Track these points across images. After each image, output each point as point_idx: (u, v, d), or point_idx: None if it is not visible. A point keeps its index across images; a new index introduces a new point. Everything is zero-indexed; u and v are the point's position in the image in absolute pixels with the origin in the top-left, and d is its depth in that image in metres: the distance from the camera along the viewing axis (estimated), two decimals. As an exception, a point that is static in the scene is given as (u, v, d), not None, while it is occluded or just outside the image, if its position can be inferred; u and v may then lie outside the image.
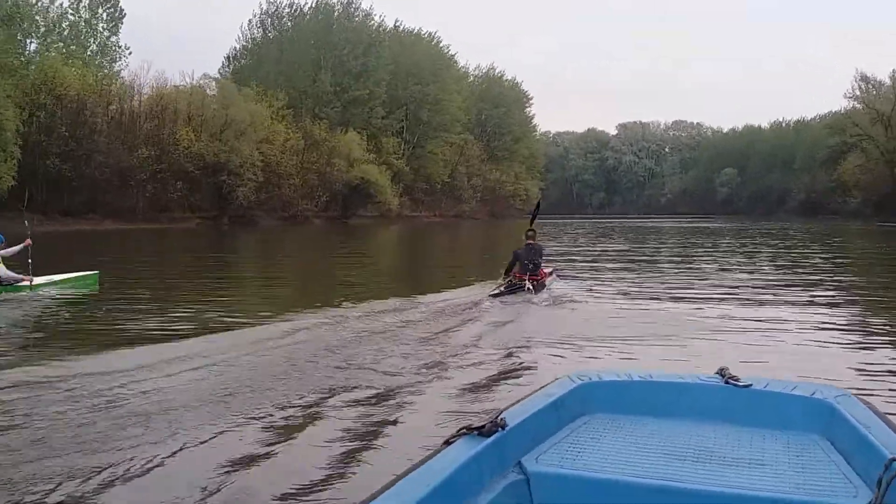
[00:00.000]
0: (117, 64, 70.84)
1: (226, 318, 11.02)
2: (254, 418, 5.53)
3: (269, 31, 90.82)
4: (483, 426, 2.33)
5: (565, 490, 2.29)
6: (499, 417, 2.42)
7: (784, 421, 2.78)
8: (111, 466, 4.49)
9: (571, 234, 48.60)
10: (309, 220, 73.56)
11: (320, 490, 4.23)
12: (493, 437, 2.31)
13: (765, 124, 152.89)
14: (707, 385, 3.00)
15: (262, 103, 70.07)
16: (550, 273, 15.41)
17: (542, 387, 3.00)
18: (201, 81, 66.45)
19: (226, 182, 63.01)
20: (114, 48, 70.37)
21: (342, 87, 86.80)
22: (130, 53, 72.04)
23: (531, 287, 13.29)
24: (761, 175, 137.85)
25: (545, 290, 13.88)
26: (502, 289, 13.37)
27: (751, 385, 2.93)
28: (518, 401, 2.78)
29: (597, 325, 10.19)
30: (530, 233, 14.45)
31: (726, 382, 2.97)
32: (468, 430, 2.34)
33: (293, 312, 11.02)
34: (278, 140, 69.15)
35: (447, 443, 2.29)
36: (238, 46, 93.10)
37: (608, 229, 58.87)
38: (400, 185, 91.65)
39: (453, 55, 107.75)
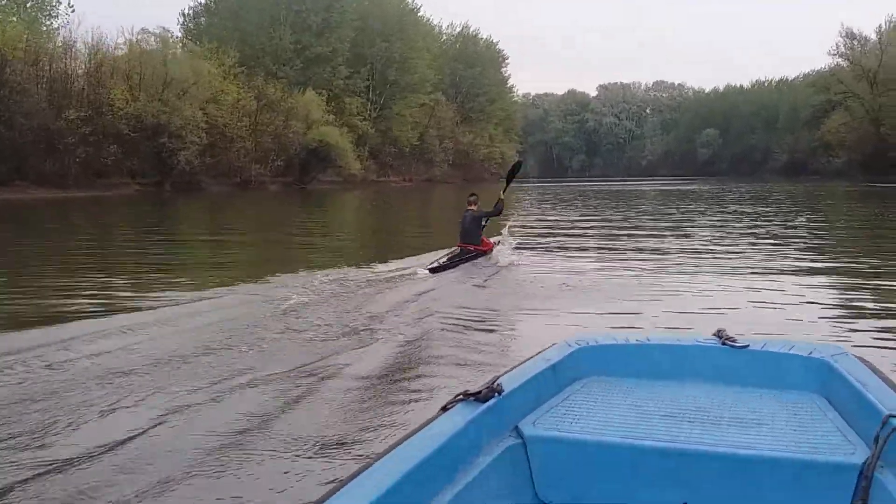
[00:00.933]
0: (57, 21, 65.07)
1: (149, 295, 9.74)
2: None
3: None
4: (479, 391, 2.28)
5: (563, 453, 2.30)
6: (495, 383, 2.37)
7: (781, 380, 2.79)
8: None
9: (549, 200, 44.31)
10: (263, 186, 68.33)
11: (319, 457, 4.03)
12: (489, 402, 2.27)
13: (746, 84, 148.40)
14: (704, 346, 3.00)
15: (211, 61, 64.70)
16: (498, 242, 13.95)
17: (539, 352, 2.94)
18: (139, 37, 60.62)
19: (166, 145, 57.63)
20: (51, 4, 64.50)
21: (302, 45, 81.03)
22: (73, 10, 66.18)
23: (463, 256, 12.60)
24: (743, 135, 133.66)
25: (486, 259, 12.93)
26: (443, 261, 12.14)
27: (748, 346, 2.94)
28: (514, 366, 2.73)
29: (574, 293, 9.75)
30: (472, 197, 13.59)
31: (723, 343, 2.97)
32: (465, 396, 2.28)
33: (225, 287, 10.09)
34: (227, 100, 63.63)
35: (444, 409, 2.23)
36: (195, 2, 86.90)
37: (586, 193, 54.04)
38: (365, 149, 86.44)
39: (421, 10, 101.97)
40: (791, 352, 2.88)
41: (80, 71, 55.33)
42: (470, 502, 2.00)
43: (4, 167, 50.52)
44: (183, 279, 12.05)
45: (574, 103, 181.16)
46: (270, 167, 68.78)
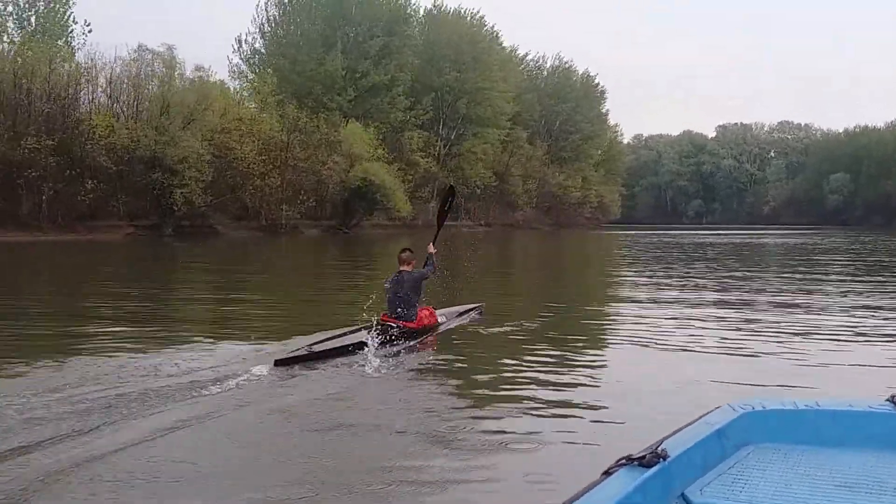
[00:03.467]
0: (74, 42, 56.64)
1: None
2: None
3: (281, 7, 74.68)
4: (643, 456, 2.19)
5: None
6: (659, 448, 2.27)
7: None
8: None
9: (648, 254, 34.83)
10: (297, 231, 57.85)
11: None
12: (654, 468, 2.16)
13: (881, 124, 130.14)
14: (878, 413, 2.83)
15: (243, 87, 55.01)
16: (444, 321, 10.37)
17: (702, 416, 2.82)
18: (136, 55, 51.07)
19: (158, 181, 47.79)
20: (60, 23, 56.15)
21: (358, 72, 70.64)
22: (90, 31, 57.43)
23: (380, 337, 8.62)
24: (878, 180, 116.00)
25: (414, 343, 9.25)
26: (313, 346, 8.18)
27: None
28: (677, 430, 2.61)
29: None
30: (404, 254, 9.83)
31: None
32: (628, 461, 2.19)
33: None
34: (243, 130, 53.38)
35: (607, 473, 2.15)
36: (254, 27, 77.57)
37: (698, 247, 41.33)
38: (432, 189, 75.32)
39: (503, 39, 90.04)
40: None
41: (47, 92, 45.68)
42: None
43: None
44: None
45: (690, 144, 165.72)
46: (301, 209, 57.80)
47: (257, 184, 53.88)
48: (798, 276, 21.81)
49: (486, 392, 7.00)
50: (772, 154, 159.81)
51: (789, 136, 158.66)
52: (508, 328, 10.77)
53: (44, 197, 44.41)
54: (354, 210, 62.26)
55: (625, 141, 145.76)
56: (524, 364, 8.18)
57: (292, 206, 57.05)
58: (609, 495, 1.96)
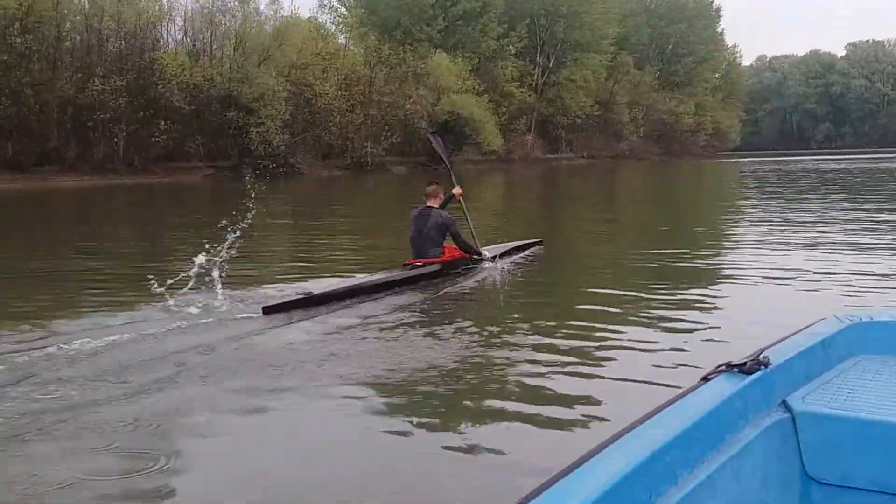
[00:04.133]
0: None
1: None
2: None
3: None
4: (744, 363, 2.14)
5: (835, 430, 2.16)
6: (761, 355, 2.21)
7: None
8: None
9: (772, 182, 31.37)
10: (384, 168, 55.53)
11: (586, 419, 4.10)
12: (755, 375, 2.13)
13: None
14: None
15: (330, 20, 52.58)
16: (486, 258, 9.11)
17: (806, 326, 2.71)
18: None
19: (234, 121, 46.19)
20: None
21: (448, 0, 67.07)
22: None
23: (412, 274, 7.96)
24: None
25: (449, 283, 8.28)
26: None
27: None
28: (779, 340, 2.53)
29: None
30: (431, 187, 8.82)
31: None
32: (728, 367, 2.15)
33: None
34: (321, 65, 51.02)
35: (705, 379, 2.12)
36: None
37: (827, 177, 35.89)
38: (529, 120, 71.73)
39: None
40: None
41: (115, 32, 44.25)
42: (736, 472, 1.91)
43: (19, 149, 41.20)
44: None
45: (818, 65, 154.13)
46: (387, 145, 55.33)
47: (338, 121, 51.67)
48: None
49: (554, 318, 6.63)
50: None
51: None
52: (578, 266, 10.19)
53: (115, 140, 43.46)
54: (444, 145, 59.39)
55: (746, 63, 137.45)
56: (600, 298, 7.59)
57: (377, 144, 54.65)
58: (707, 399, 1.95)
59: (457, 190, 9.29)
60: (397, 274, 8.00)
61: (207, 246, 7.05)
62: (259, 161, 48.44)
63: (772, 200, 21.54)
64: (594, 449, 1.63)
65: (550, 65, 75.63)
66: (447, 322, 6.44)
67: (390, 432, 4.06)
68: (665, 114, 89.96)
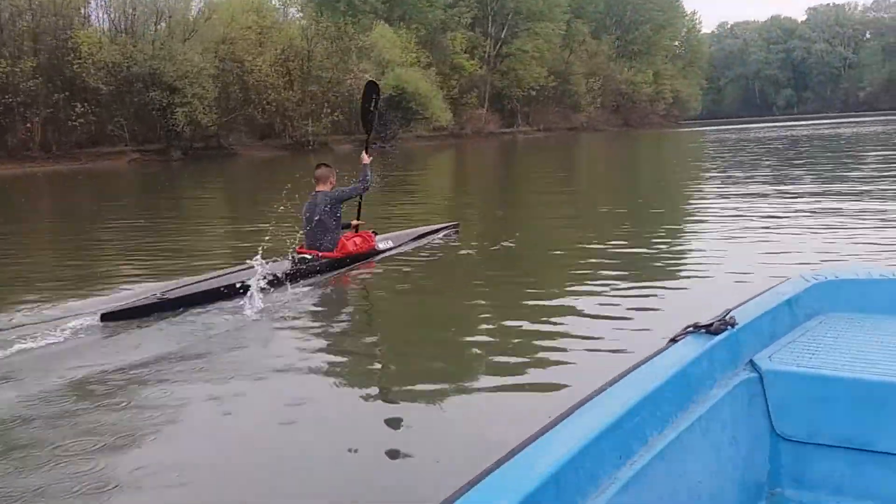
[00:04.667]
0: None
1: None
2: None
3: None
4: (711, 324, 2.17)
5: (802, 388, 2.17)
6: (727, 316, 2.23)
7: None
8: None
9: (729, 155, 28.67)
10: (326, 148, 52.61)
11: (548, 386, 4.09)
12: (722, 335, 2.15)
13: None
14: None
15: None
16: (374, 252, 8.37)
17: (773, 286, 2.72)
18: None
19: (155, 101, 43.12)
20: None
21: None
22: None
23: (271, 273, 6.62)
24: None
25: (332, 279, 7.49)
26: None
27: None
28: (746, 300, 2.53)
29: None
30: (319, 170, 8.11)
31: None
32: (695, 328, 2.17)
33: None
34: (251, 39, 47.93)
35: (673, 340, 2.13)
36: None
37: (785, 143, 34.99)
38: (481, 93, 69.06)
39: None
40: None
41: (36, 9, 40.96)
42: (706, 431, 1.92)
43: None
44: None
45: (779, 30, 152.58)
46: (328, 124, 52.36)
47: (272, 98, 48.72)
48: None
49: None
50: (867, 35, 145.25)
51: (886, 15, 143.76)
52: (498, 247, 9.30)
53: (28, 125, 40.36)
54: (389, 122, 56.57)
55: (707, 31, 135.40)
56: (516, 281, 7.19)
57: (318, 122, 51.73)
58: (675, 360, 1.96)
59: (365, 158, 8.33)
60: (264, 269, 6.53)
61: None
62: (193, 144, 45.65)
63: (733, 169, 20.71)
64: (564, 413, 1.61)
65: (503, 35, 72.72)
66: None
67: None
68: (623, 84, 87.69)
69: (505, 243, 9.46)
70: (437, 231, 9.68)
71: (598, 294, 6.08)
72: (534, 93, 73.59)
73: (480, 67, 68.71)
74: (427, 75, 56.90)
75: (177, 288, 6.38)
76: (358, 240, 8.13)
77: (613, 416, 1.60)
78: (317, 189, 7.96)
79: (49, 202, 24.06)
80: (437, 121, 57.17)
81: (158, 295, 6.12)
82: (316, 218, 7.76)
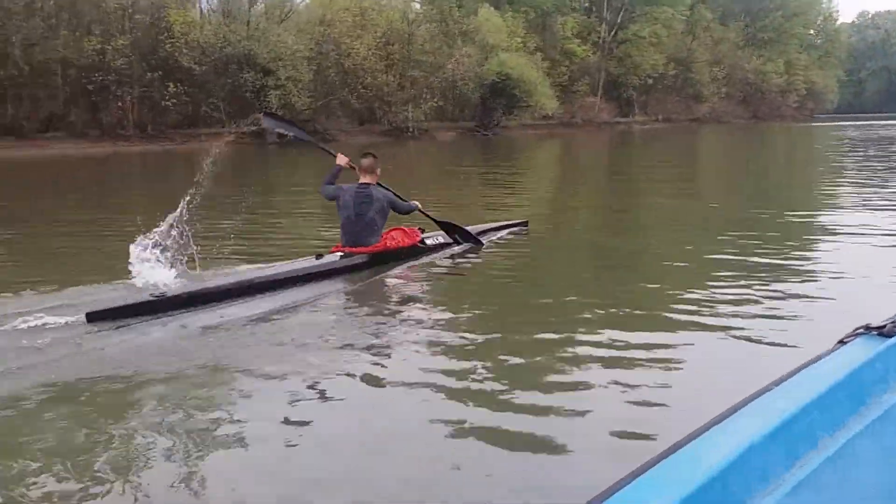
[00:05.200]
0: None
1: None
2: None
3: None
4: (884, 326, 2.01)
5: None
6: None
7: None
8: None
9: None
10: (428, 135, 50.70)
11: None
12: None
13: None
14: None
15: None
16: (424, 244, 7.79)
17: None
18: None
19: (249, 82, 42.14)
20: None
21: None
22: None
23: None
24: None
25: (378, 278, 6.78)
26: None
27: None
28: None
29: None
30: (367, 160, 7.45)
31: None
32: (866, 330, 2.02)
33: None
34: (349, 21, 46.43)
35: (841, 342, 2.01)
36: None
37: None
38: (596, 81, 65.83)
39: None
40: None
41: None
42: (879, 438, 1.75)
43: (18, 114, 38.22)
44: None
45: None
46: (427, 109, 50.35)
47: (368, 82, 47.17)
48: None
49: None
50: None
51: None
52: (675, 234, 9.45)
53: (120, 104, 40.07)
54: (492, 109, 54.17)
55: (847, 20, 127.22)
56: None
57: (417, 108, 49.87)
58: (846, 362, 1.84)
59: (342, 159, 7.64)
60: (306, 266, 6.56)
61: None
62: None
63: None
64: (729, 410, 1.56)
65: (619, 20, 69.01)
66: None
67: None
68: (751, 73, 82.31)
69: (614, 240, 9.11)
70: (498, 229, 8.86)
71: (751, 297, 5.82)
72: (651, 81, 69.60)
73: (593, 53, 65.36)
74: (533, 61, 54.17)
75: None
76: (398, 234, 7.36)
77: (782, 417, 1.51)
78: (362, 180, 7.26)
79: (136, 181, 24.10)
80: (542, 108, 54.37)
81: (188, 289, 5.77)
82: (368, 215, 7.09)
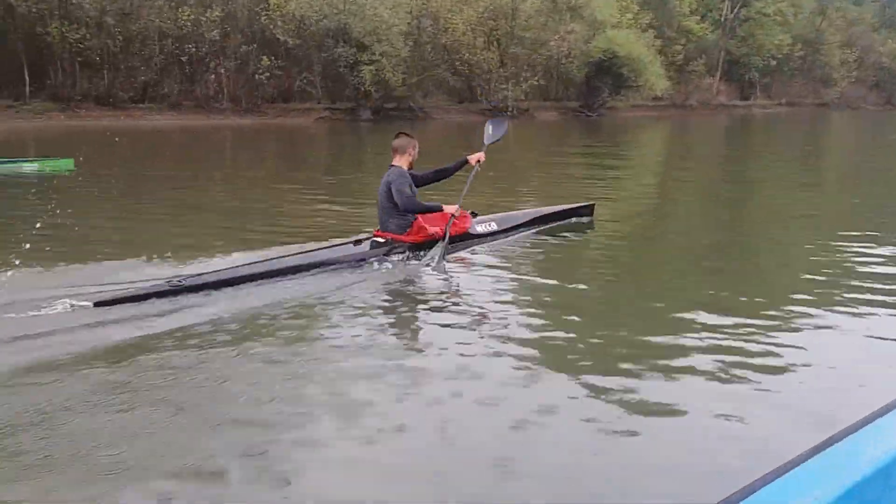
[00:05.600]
0: None
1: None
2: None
3: None
4: None
5: None
6: None
7: None
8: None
9: None
10: (527, 115, 48.58)
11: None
12: None
13: None
14: None
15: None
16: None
17: None
18: None
19: (343, 57, 41.11)
20: None
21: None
22: None
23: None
24: None
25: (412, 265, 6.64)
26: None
27: None
28: None
29: None
30: (397, 140, 7.19)
31: None
32: None
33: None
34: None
35: None
36: None
37: None
38: (715, 60, 62.26)
39: None
40: None
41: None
42: None
43: (120, 85, 38.45)
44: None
45: None
46: (527, 88, 48.23)
47: (465, 58, 45.52)
48: None
49: None
50: None
51: None
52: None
53: (212, 76, 39.76)
54: (597, 89, 51.61)
55: None
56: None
57: (517, 86, 47.88)
58: None
59: (474, 156, 7.47)
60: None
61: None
62: (378, 103, 43.49)
63: None
64: (881, 409, 1.54)
65: (741, -2, 64.95)
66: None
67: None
68: (886, 56, 76.55)
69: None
70: (559, 213, 8.26)
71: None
72: (775, 62, 65.29)
73: (712, 31, 61.66)
74: (643, 38, 51.31)
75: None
76: (437, 217, 6.97)
77: None
78: (392, 163, 7.09)
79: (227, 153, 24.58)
80: (652, 89, 51.51)
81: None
82: (381, 198, 7.02)
